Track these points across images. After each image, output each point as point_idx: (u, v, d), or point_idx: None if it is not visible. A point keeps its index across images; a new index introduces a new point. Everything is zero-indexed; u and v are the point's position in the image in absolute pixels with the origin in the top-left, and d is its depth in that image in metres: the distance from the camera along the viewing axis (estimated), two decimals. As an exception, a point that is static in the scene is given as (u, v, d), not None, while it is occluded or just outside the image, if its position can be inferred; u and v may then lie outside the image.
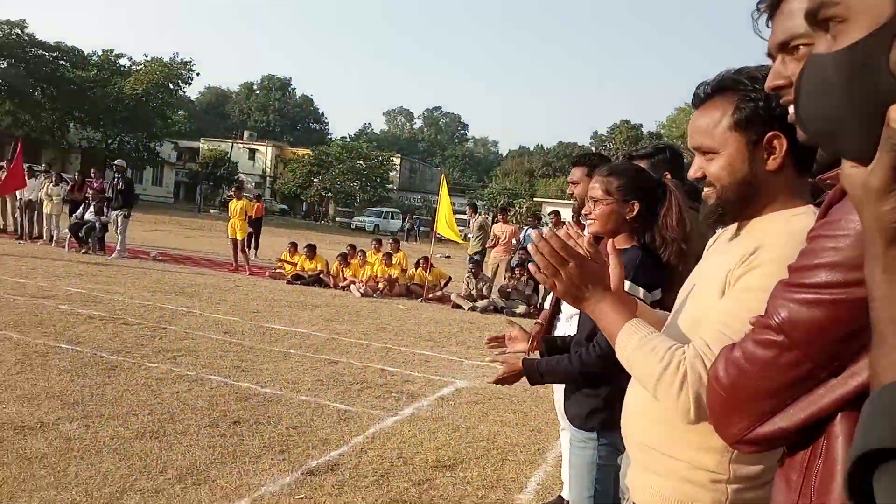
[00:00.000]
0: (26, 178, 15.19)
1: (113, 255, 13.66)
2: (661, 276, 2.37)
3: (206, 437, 4.33)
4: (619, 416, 1.63)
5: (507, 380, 2.72)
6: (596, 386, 2.54)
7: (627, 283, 2.23)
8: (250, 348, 6.96)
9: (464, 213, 15.71)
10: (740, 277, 1.32)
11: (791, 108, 1.08)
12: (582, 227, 3.50)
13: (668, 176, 3.21)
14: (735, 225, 1.48)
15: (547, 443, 5.00)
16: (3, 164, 17.26)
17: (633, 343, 1.38)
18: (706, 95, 1.45)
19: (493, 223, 15.03)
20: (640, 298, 2.21)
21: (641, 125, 63.61)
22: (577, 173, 3.41)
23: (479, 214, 15.50)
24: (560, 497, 3.86)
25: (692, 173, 1.46)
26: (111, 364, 5.74)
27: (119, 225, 13.97)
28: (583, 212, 2.49)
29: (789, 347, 1.02)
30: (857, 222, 0.83)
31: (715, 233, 1.64)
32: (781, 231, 1.33)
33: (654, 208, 2.44)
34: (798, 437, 1.07)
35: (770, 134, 1.36)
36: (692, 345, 1.32)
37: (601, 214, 2.40)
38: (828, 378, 1.02)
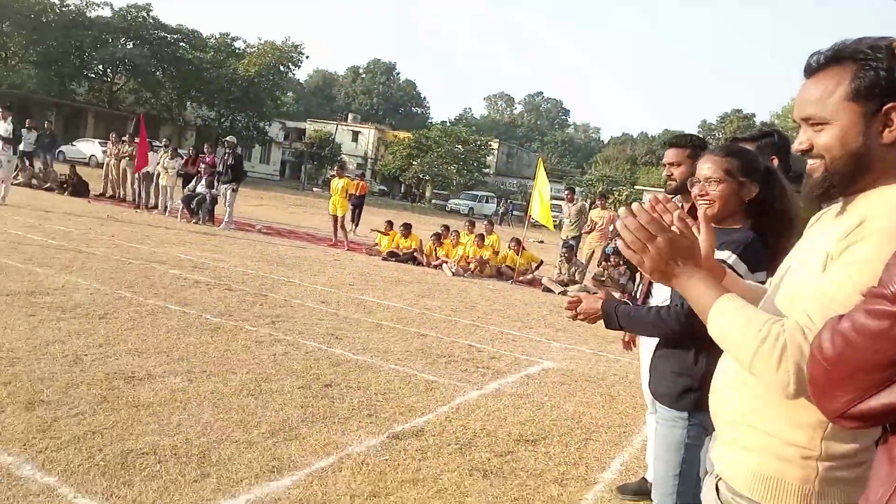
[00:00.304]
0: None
1: (221, 226, 14.37)
2: (767, 259, 2.29)
3: (299, 397, 4.51)
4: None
5: (585, 316, 2.58)
6: (691, 361, 2.48)
7: (733, 257, 2.19)
8: (345, 318, 7.19)
9: (561, 199, 15.49)
10: (845, 250, 1.26)
11: None
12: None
13: (776, 160, 3.08)
14: (840, 202, 1.40)
15: (633, 425, 4.92)
16: (126, 137, 18.49)
17: (727, 316, 1.33)
18: (820, 64, 1.38)
19: (590, 209, 14.80)
20: (740, 274, 2.15)
21: (754, 115, 60.88)
22: (676, 154, 3.31)
23: (577, 200, 15.29)
24: (643, 479, 3.80)
25: (797, 145, 1.40)
26: (215, 325, 6.07)
27: (227, 198, 14.66)
28: (695, 193, 2.41)
29: None
30: None
31: (819, 210, 1.57)
32: (892, 203, 1.26)
33: (767, 192, 2.37)
34: None
35: (889, 105, 1.28)
36: (792, 317, 1.26)
37: (721, 196, 2.31)
38: None
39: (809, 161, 1.40)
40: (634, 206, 1.44)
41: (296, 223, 18.66)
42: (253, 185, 35.12)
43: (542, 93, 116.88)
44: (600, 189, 38.14)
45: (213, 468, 3.32)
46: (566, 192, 15.20)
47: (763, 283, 2.23)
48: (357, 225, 17.59)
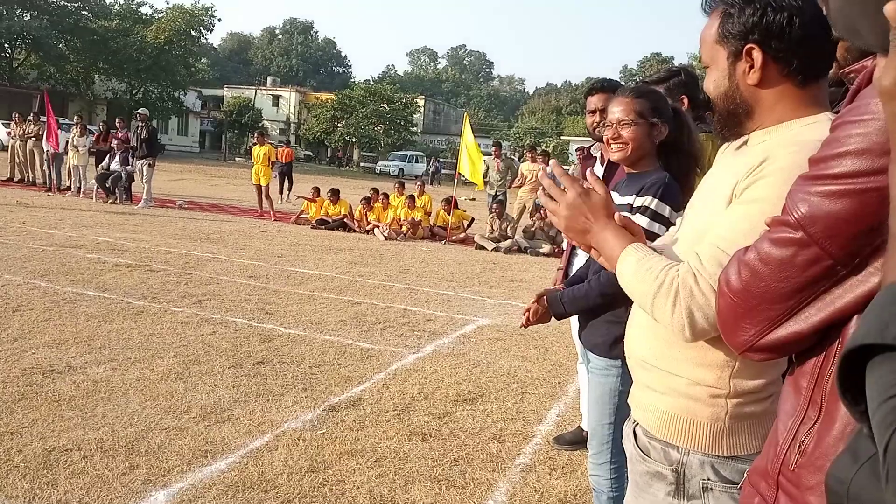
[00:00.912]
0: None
1: (139, 205, 13.83)
2: (683, 198, 2.30)
3: (230, 377, 4.41)
4: None
5: (539, 319, 2.65)
6: (621, 311, 2.52)
7: (655, 201, 2.20)
8: (274, 291, 7.05)
9: (487, 154, 15.45)
10: (746, 189, 1.27)
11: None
12: (591, 158, 3.42)
13: (685, 99, 3.10)
14: (743, 138, 1.42)
15: (567, 376, 5.02)
16: (31, 117, 17.47)
17: (630, 265, 1.36)
18: (706, 9, 1.42)
19: (520, 161, 14.83)
20: (666, 217, 2.17)
21: (673, 57, 62.06)
22: (602, 100, 3.27)
23: (505, 155, 15.28)
24: (579, 428, 3.88)
25: (703, 87, 1.44)
26: (137, 309, 5.85)
27: (144, 174, 14.09)
28: (607, 136, 2.37)
29: (808, 244, 0.97)
30: None
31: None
32: (790, 141, 1.28)
33: (676, 132, 2.36)
34: (811, 342, 1.03)
35: (748, 45, 1.31)
36: (686, 261, 1.28)
37: (635, 137, 2.28)
38: (847, 277, 0.97)
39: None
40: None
41: (219, 196, 18.13)
42: (172, 159, 33.91)
43: (464, 45, 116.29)
44: (528, 142, 38.36)
45: (142, 459, 3.22)
46: (493, 147, 15.16)
47: None
48: (289, 193, 17.29)
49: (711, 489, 1.35)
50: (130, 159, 14.34)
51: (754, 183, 1.26)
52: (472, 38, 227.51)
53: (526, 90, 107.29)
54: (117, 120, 16.19)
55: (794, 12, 1.27)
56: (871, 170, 0.87)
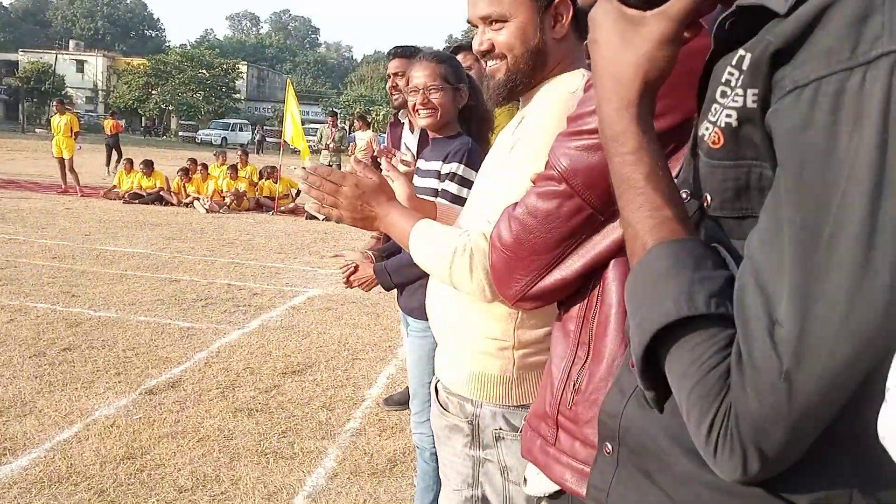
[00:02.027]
0: None
1: (-84, 183, 12.17)
2: None
3: (31, 367, 4.04)
4: None
5: (360, 283, 2.65)
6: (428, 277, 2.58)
7: (462, 167, 2.22)
8: (82, 272, 6.50)
9: (319, 122, 15.05)
10: (512, 149, 1.32)
11: None
12: (399, 125, 3.43)
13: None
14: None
15: (398, 339, 5.09)
16: None
17: (422, 240, 1.37)
18: None
19: (350, 131, 14.63)
20: (473, 181, 2.22)
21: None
22: (403, 64, 3.28)
23: (339, 125, 14.96)
24: (408, 388, 3.96)
25: (477, 46, 1.39)
26: (-84, 300, 5.19)
27: (-80, 149, 12.39)
28: (414, 102, 2.35)
29: (570, 195, 1.03)
30: None
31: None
32: (545, 96, 1.34)
33: (473, 96, 2.41)
34: (575, 287, 1.10)
35: (558, 0, 1.34)
36: (476, 226, 1.32)
37: (443, 103, 2.27)
38: (605, 224, 1.05)
39: (489, 63, 1.40)
40: (308, 165, 1.44)
41: (17, 171, 16.34)
42: (-43, 131, 30.09)
43: (288, 11, 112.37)
44: (358, 110, 37.94)
45: (-76, 466, 2.89)
46: (329, 117, 14.77)
47: None
48: (116, 166, 16.04)
49: (503, 438, 1.42)
50: None
51: (517, 142, 1.32)
52: (295, 3, 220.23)
53: (354, 57, 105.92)
54: None
55: None
56: None
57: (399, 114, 3.57)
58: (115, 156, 17.09)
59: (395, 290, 3.04)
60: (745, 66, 0.64)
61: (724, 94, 0.67)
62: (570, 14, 1.36)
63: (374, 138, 14.11)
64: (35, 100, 48.66)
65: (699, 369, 0.60)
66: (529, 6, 1.35)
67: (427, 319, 2.69)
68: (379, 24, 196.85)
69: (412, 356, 2.75)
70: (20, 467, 2.95)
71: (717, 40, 0.69)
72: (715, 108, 0.68)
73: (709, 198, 0.70)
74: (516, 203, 1.12)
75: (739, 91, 0.64)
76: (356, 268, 2.69)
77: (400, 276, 2.55)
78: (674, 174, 0.93)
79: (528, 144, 1.28)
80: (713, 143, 0.68)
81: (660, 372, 0.66)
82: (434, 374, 2.73)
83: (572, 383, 1.09)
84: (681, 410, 0.63)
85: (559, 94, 1.31)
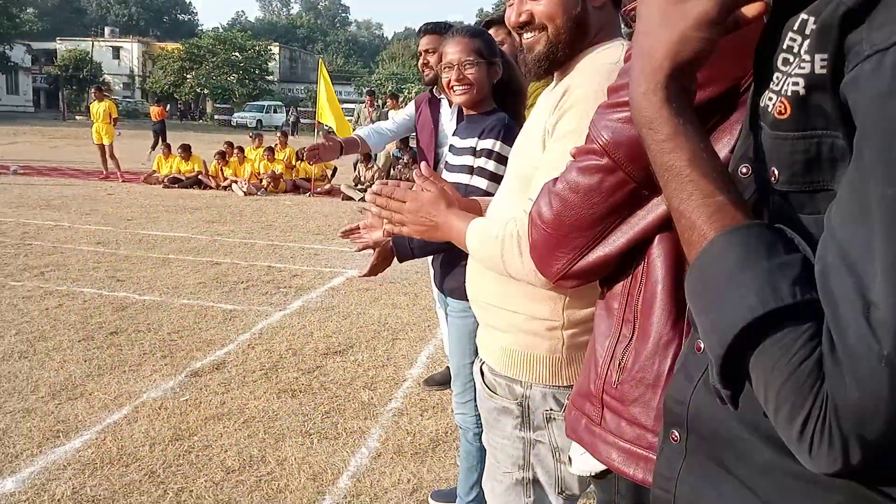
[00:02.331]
0: None
1: (-35, 173, 12.51)
2: None
3: (80, 351, 4.14)
4: None
5: (379, 266, 2.55)
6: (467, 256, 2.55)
7: (498, 144, 2.18)
8: (126, 257, 6.63)
9: (350, 102, 15.01)
10: (556, 123, 1.29)
11: None
12: (437, 102, 3.38)
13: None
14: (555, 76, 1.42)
15: (437, 319, 5.10)
16: None
17: (474, 235, 1.37)
18: None
19: (384, 109, 14.56)
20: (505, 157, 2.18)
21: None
22: (433, 41, 3.23)
23: (378, 104, 14.87)
24: (448, 368, 3.97)
25: (515, 19, 1.35)
26: (-31, 287, 5.35)
27: (-33, 139, 12.72)
28: (450, 78, 2.31)
29: (613, 169, 1.00)
30: None
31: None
32: (587, 68, 1.30)
33: (507, 71, 2.36)
34: (618, 264, 1.07)
35: None
36: (520, 207, 1.29)
37: (478, 78, 2.23)
38: (649, 198, 1.01)
39: (526, 35, 1.37)
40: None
41: (60, 158, 16.70)
42: (3, 120, 30.83)
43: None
44: (390, 88, 37.88)
45: (-16, 448, 2.98)
46: (367, 96, 14.69)
47: None
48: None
49: (554, 419, 1.40)
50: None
51: (562, 117, 1.28)
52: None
53: (384, 35, 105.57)
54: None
55: None
56: None
57: (434, 90, 3.53)
58: (160, 143, 17.46)
59: (431, 271, 3.02)
60: (808, 31, 0.60)
61: (786, 62, 0.63)
62: None
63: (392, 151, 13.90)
64: (74, 87, 49.62)
65: (789, 363, 0.56)
66: None
67: (467, 300, 2.68)
68: (409, 0, 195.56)
69: (452, 337, 2.72)
70: (73, 449, 3.03)
71: (776, 4, 0.65)
72: (777, 77, 0.64)
73: (776, 172, 0.66)
74: (556, 178, 1.10)
75: (806, 57, 0.60)
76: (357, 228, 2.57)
77: (423, 250, 2.49)
78: (722, 146, 0.89)
79: (571, 119, 1.25)
80: (779, 113, 0.64)
81: (738, 368, 0.62)
82: (475, 355, 2.73)
83: (617, 362, 1.07)
84: (765, 406, 0.59)
85: (602, 65, 1.27)
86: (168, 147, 13.21)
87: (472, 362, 2.69)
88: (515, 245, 1.26)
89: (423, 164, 1.57)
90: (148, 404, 3.49)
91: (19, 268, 6.00)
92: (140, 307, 5.06)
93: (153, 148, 17.28)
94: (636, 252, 1.06)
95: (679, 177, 0.67)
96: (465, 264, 2.67)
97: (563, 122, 1.27)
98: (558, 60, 1.36)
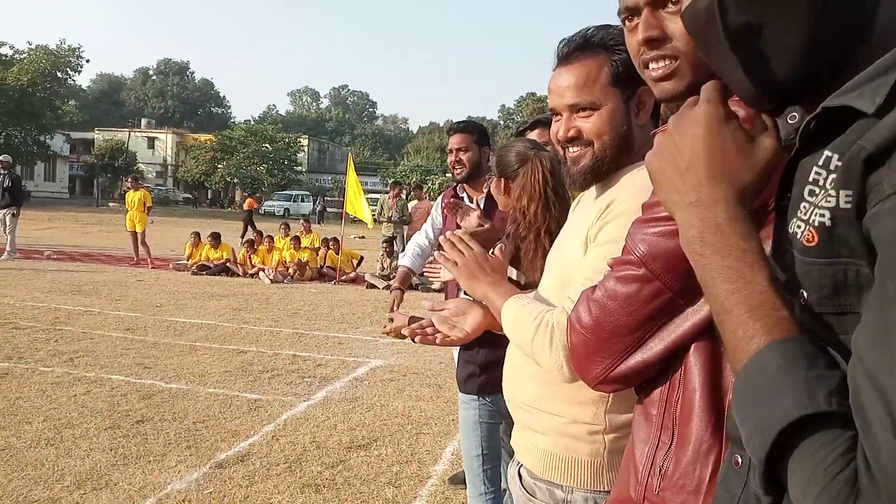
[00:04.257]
0: None
1: (2, 257, 12.85)
2: None
3: (106, 439, 4.15)
4: (498, 379, 1.66)
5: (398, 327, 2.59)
6: (473, 351, 2.68)
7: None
8: (153, 344, 6.71)
9: (375, 192, 15.32)
10: (598, 232, 1.36)
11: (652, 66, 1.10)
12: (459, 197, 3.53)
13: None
14: (594, 186, 1.50)
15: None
16: None
17: (511, 313, 1.43)
18: (572, 52, 1.44)
19: (407, 200, 14.84)
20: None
21: (546, 96, 64.60)
22: (463, 139, 3.40)
23: (403, 195, 15.14)
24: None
25: (564, 133, 1.44)
26: (2, 371, 5.42)
27: (8, 224, 13.13)
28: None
29: (650, 279, 1.05)
30: None
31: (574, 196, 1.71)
32: (632, 183, 1.37)
33: None
34: (656, 370, 1.10)
35: (642, 89, 1.38)
36: (559, 303, 1.35)
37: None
38: (685, 307, 1.05)
39: (572, 149, 1.45)
40: (452, 235, 1.66)
41: (92, 244, 17.13)
42: (39, 206, 31.83)
43: (347, 86, 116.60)
44: (415, 179, 38.68)
45: (8, 538, 2.97)
46: (392, 187, 14.93)
47: None
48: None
49: None
50: (-10, 209, 13.34)
51: (605, 225, 1.35)
52: (354, 78, 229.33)
53: (410, 129, 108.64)
54: (-25, 168, 14.95)
55: None
56: None
57: (457, 187, 3.65)
58: (249, 231, 18.45)
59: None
60: (833, 167, 0.65)
61: (812, 193, 0.68)
62: (653, 102, 1.40)
63: (428, 207, 14.22)
64: (109, 175, 51.30)
65: (825, 473, 0.59)
66: (617, 94, 1.41)
67: (465, 391, 2.76)
68: (434, 97, 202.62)
69: (462, 429, 2.82)
70: (96, 542, 3.00)
71: (801, 139, 0.71)
72: (804, 207, 0.69)
73: (805, 294, 0.71)
74: (594, 286, 1.14)
75: (831, 192, 0.66)
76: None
77: None
78: None
79: (615, 229, 1.32)
80: (807, 241, 0.69)
81: (779, 475, 0.65)
82: (483, 447, 2.76)
83: (658, 468, 1.08)
84: None
85: (645, 183, 1.35)
86: (197, 235, 13.52)
87: (480, 454, 2.73)
88: (548, 335, 1.32)
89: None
90: (172, 496, 3.47)
91: (49, 353, 6.09)
92: (166, 395, 5.08)
93: (242, 236, 17.53)
94: (673, 359, 1.09)
95: (749, 285, 0.72)
96: (464, 358, 2.78)
97: (605, 231, 1.34)
98: (602, 173, 1.44)
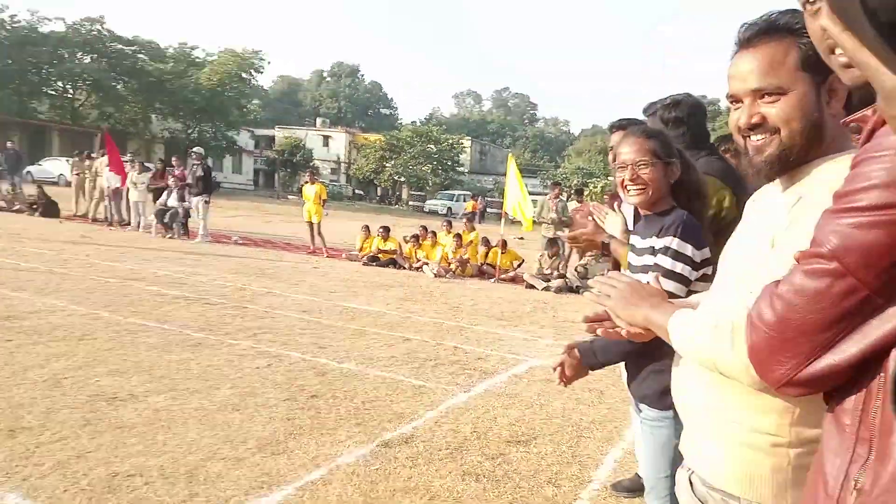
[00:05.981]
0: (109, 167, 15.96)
1: (196, 240, 14.19)
2: (704, 236, 2.25)
3: (284, 409, 4.45)
4: None
5: (572, 375, 2.35)
6: (667, 362, 2.45)
7: (676, 241, 2.14)
8: (328, 326, 7.12)
9: (537, 194, 15.30)
10: (788, 227, 1.25)
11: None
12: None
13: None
14: (778, 180, 1.38)
15: (624, 420, 4.91)
16: (95, 154, 18.19)
17: (680, 325, 1.35)
18: (756, 36, 1.35)
19: (569, 202, 14.71)
20: (688, 255, 2.13)
21: (718, 99, 61.40)
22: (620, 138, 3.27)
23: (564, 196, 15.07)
24: (637, 475, 3.78)
25: (746, 120, 1.34)
26: (196, 341, 5.97)
27: (200, 210, 14.48)
28: (624, 178, 2.29)
29: (843, 274, 0.96)
30: None
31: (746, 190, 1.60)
32: (825, 178, 1.25)
33: (685, 171, 2.33)
34: (848, 376, 1.00)
35: (833, 76, 1.26)
36: (737, 301, 1.24)
37: (654, 178, 2.23)
38: (884, 307, 0.95)
39: (755, 137, 1.35)
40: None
41: (273, 232, 18.50)
42: (227, 196, 34.80)
43: (508, 88, 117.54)
44: (576, 182, 38.23)
45: (201, 487, 3.26)
46: (553, 187, 14.88)
47: (708, 259, 2.20)
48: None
49: None
50: (187, 196, 14.77)
51: (796, 220, 1.24)
52: (515, 81, 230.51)
53: (571, 131, 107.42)
54: (173, 158, 16.61)
55: None
56: None
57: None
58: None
59: (624, 373, 2.89)
60: None
61: None
62: (846, 91, 1.28)
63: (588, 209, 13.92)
64: (288, 170, 55.13)
65: None
66: (807, 79, 1.30)
67: (661, 408, 2.53)
68: (596, 98, 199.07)
69: (648, 447, 2.55)
70: (275, 501, 3.22)
71: None
72: None
73: None
74: (779, 281, 1.05)
75: None
76: (562, 364, 2.51)
77: (606, 355, 2.39)
78: None
79: (806, 227, 1.21)
80: None
81: None
82: (672, 467, 2.55)
83: (852, 482, 0.98)
84: None
85: (832, 178, 1.23)
86: (367, 228, 14.17)
87: (668, 475, 2.51)
88: (728, 336, 1.22)
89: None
90: (342, 468, 3.65)
91: (236, 328, 6.62)
92: (338, 374, 5.37)
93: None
94: (872, 364, 0.98)
95: None
96: (656, 369, 2.57)
97: (795, 227, 1.24)
98: (790, 164, 1.33)
